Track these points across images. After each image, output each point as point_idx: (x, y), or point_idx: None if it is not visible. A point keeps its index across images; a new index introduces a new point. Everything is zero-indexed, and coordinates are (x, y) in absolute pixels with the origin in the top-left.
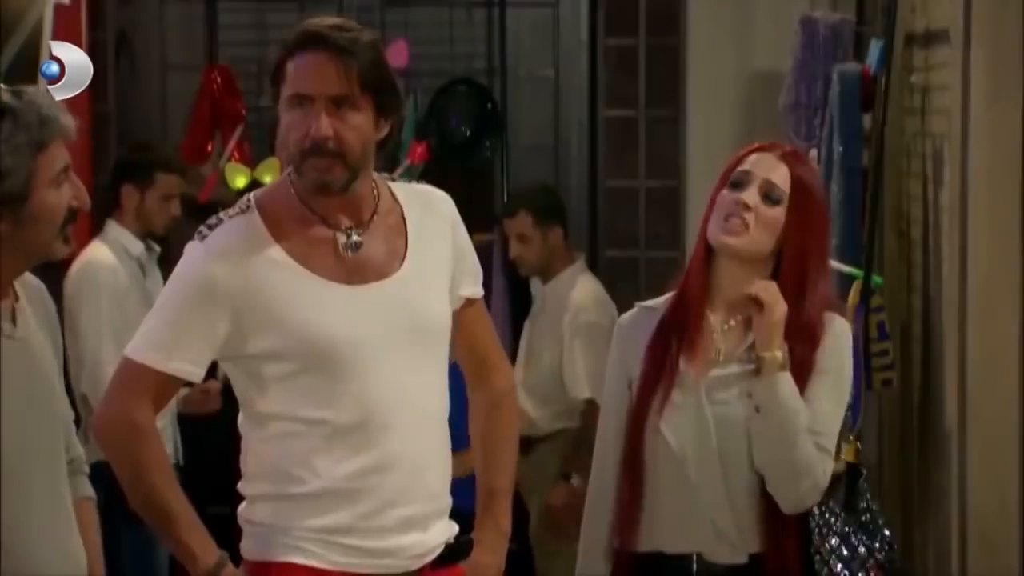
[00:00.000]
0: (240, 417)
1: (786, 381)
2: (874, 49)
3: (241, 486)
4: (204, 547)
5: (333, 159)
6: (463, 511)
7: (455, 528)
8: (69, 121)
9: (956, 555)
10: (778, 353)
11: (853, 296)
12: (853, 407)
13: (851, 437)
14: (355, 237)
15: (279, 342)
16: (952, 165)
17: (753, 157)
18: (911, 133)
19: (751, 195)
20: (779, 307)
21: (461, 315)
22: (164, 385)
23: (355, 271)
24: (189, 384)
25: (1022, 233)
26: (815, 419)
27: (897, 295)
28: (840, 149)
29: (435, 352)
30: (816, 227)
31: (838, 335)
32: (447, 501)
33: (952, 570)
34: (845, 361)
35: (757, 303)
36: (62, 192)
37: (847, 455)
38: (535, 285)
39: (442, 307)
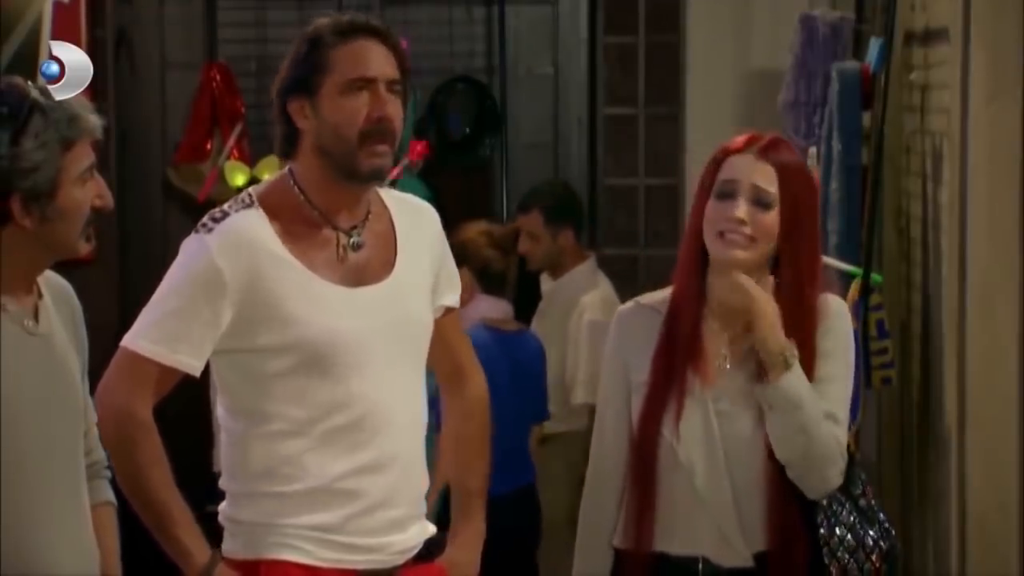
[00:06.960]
0: (220, 412)
1: (795, 378)
2: (873, 47)
3: (225, 483)
4: (199, 545)
5: (391, 144)
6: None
7: (432, 528)
8: (96, 120)
9: (956, 554)
10: (780, 353)
11: (852, 294)
12: (852, 403)
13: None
14: (356, 238)
15: (279, 338)
16: (951, 163)
17: (734, 161)
18: (910, 131)
19: (742, 208)
20: (769, 307)
21: (440, 323)
22: (165, 377)
23: (353, 273)
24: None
25: (1021, 230)
26: (826, 399)
27: (896, 293)
28: (839, 147)
29: (420, 358)
30: (805, 215)
31: (836, 315)
32: (424, 505)
33: (951, 569)
34: (846, 339)
35: (744, 310)
36: (87, 190)
37: None
38: (545, 281)
39: (427, 315)
